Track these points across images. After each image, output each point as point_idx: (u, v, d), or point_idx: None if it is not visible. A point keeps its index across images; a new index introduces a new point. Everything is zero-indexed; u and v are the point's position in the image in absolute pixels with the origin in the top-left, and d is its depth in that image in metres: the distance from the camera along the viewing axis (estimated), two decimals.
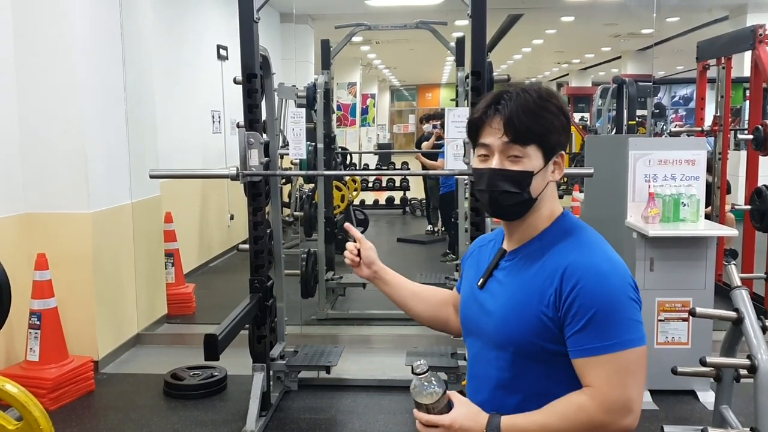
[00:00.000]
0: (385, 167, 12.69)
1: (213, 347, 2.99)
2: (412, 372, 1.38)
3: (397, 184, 11.73)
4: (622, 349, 1.31)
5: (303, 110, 4.63)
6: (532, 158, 1.39)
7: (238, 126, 3.68)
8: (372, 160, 14.71)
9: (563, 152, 1.44)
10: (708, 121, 6.09)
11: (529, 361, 1.39)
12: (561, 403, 1.35)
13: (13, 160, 4.22)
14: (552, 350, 1.36)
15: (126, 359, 4.73)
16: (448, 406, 1.38)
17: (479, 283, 1.51)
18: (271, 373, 3.87)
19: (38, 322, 4.01)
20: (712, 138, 6.02)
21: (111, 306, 4.62)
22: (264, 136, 3.68)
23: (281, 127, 7.91)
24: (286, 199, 9.09)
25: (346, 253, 1.80)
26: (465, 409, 1.39)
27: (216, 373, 4.22)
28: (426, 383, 1.37)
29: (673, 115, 19.72)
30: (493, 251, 1.54)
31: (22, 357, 4.10)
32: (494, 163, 1.40)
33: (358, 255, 1.80)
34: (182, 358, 4.51)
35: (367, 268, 1.81)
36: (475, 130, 1.46)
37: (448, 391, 1.40)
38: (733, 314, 3.12)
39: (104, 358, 4.51)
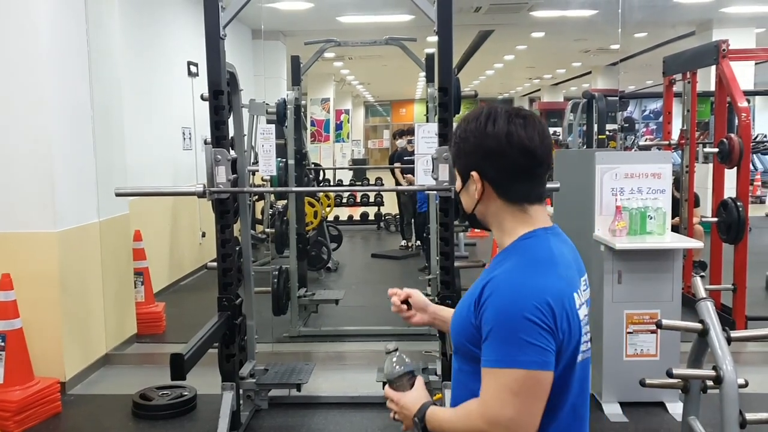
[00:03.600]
0: (360, 183, 12.69)
1: (179, 367, 2.95)
2: (386, 352, 1.61)
3: (372, 199, 11.74)
4: (506, 367, 1.31)
5: (273, 126, 4.62)
6: (458, 180, 1.52)
7: (205, 143, 3.66)
8: (346, 176, 14.72)
9: (476, 171, 1.45)
10: (675, 135, 6.19)
11: (468, 362, 1.44)
12: (465, 405, 1.42)
13: None
14: (478, 354, 1.39)
15: (94, 380, 4.65)
16: (410, 387, 1.56)
17: None
18: (241, 392, 3.82)
19: (2, 344, 3.93)
20: (680, 151, 6.12)
21: (78, 326, 4.54)
22: (232, 152, 3.66)
23: (252, 144, 7.89)
24: (259, 215, 9.05)
25: (393, 308, 1.76)
26: (415, 393, 1.54)
27: (185, 393, 4.16)
28: (392, 361, 1.58)
29: (644, 129, 20.05)
30: None
31: None
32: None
33: (408, 306, 1.76)
34: (152, 378, 4.45)
35: (423, 313, 1.76)
36: None
37: (417, 376, 1.59)
38: (698, 326, 3.15)
39: (71, 379, 4.43)
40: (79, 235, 4.52)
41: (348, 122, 21.65)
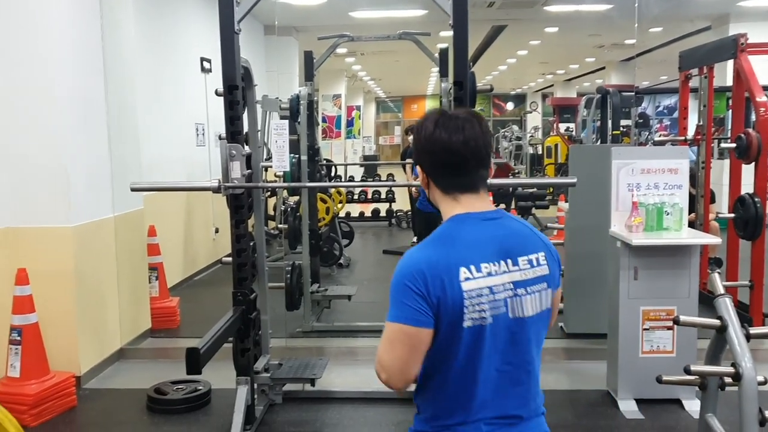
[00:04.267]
0: (371, 179, 12.68)
1: (195, 361, 2.96)
2: None
3: (383, 196, 11.72)
4: (389, 321, 1.58)
5: (286, 122, 4.61)
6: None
7: (219, 138, 3.66)
8: (357, 172, 14.70)
9: (419, 166, 1.74)
10: (691, 131, 6.13)
11: None
12: None
13: None
14: None
15: (109, 374, 4.68)
16: None
17: None
18: (256, 386, 3.83)
19: (19, 338, 3.95)
20: (696, 147, 6.07)
21: (93, 321, 4.56)
22: (246, 148, 3.66)
23: (265, 140, 7.90)
24: (271, 211, 9.06)
25: None
26: None
27: (200, 387, 4.17)
28: None
29: (658, 125, 19.91)
30: None
31: (2, 373, 4.04)
32: None
33: None
34: (166, 373, 4.46)
35: None
36: None
37: None
38: (716, 322, 3.12)
39: (87, 374, 4.46)
40: (94, 230, 4.54)
41: (359, 118, 21.65)
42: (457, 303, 1.54)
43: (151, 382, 4.28)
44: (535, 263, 1.64)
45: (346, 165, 13.31)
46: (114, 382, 4.55)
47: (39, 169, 4.25)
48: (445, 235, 1.62)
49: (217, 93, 3.77)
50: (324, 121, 16.20)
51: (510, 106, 29.44)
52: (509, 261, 1.61)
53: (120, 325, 4.90)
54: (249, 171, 3.64)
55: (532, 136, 20.14)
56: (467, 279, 1.55)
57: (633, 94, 10.47)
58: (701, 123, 5.92)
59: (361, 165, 14.29)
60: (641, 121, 12.36)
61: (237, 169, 3.52)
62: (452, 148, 1.62)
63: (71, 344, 4.33)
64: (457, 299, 1.54)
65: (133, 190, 3.52)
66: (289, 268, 5.36)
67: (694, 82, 6.11)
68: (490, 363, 1.58)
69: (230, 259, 3.84)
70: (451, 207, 1.66)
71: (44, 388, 3.94)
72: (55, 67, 4.25)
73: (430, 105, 27.51)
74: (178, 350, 4.96)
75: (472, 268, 1.56)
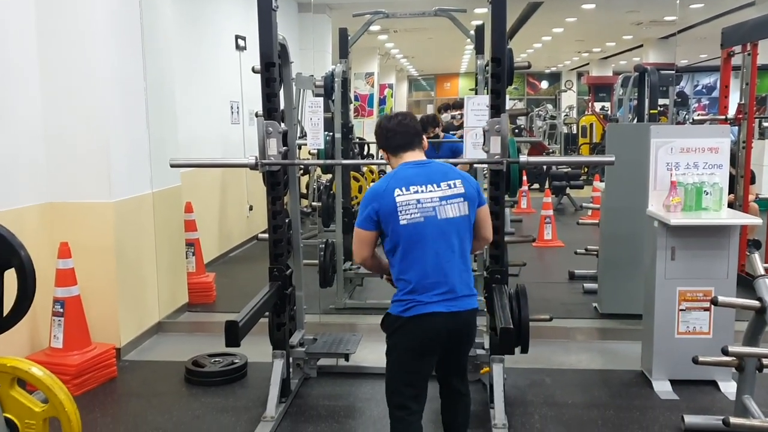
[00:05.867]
0: None
1: (233, 334, 3.02)
2: None
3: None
4: (356, 227, 2.70)
5: (321, 99, 4.63)
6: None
7: (256, 115, 3.69)
8: None
9: (381, 148, 2.88)
10: (732, 110, 6.00)
11: None
12: None
13: (36, 150, 4.28)
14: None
15: (148, 347, 4.79)
16: None
17: None
18: (291, 360, 3.89)
19: (62, 310, 4.07)
20: (736, 127, 5.94)
21: (133, 294, 4.67)
22: (282, 125, 3.69)
23: (299, 118, 7.93)
24: (303, 190, 9.12)
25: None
26: None
27: (236, 361, 4.25)
28: None
29: (696, 105, 19.49)
30: None
31: (46, 344, 4.17)
32: None
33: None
34: (203, 346, 4.55)
35: None
36: None
37: None
38: (756, 303, 3.08)
39: (126, 346, 4.57)
40: (133, 206, 4.63)
41: (391, 97, 21.56)
42: (392, 209, 2.59)
43: (189, 355, 4.37)
44: (452, 186, 2.66)
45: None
46: (152, 355, 4.66)
47: (81, 146, 4.34)
48: (390, 175, 2.71)
49: (254, 70, 3.80)
50: (356, 99, 16.18)
51: (544, 84, 29.03)
52: (434, 185, 2.64)
53: (158, 299, 5.00)
54: (285, 148, 3.67)
55: (566, 115, 19.86)
56: (398, 195, 2.61)
57: (672, 72, 10.25)
58: (743, 101, 5.79)
59: None
60: (679, 100, 12.11)
61: (273, 147, 3.55)
62: (390, 126, 2.80)
63: (112, 317, 4.44)
64: (392, 207, 2.60)
65: (172, 165, 3.57)
66: (323, 246, 5.42)
67: (736, 60, 5.96)
68: (430, 248, 2.59)
69: (266, 235, 3.90)
70: (397, 161, 2.78)
71: (86, 359, 4.06)
72: (96, 46, 4.32)
73: (463, 83, 27.25)
74: (214, 324, 5.09)
75: (403, 189, 2.62)
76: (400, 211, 2.57)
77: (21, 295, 1.84)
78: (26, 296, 1.84)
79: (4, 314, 1.88)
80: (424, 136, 2.83)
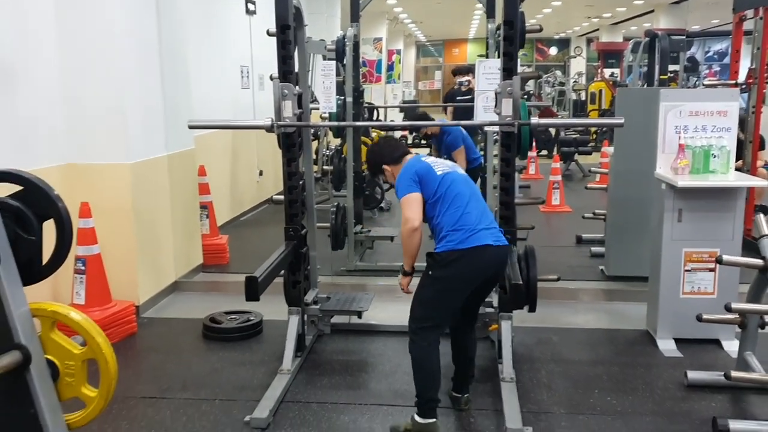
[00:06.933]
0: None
1: (253, 289, 3.13)
2: None
3: (423, 142, 11.73)
4: (401, 196, 3.07)
5: (333, 63, 4.70)
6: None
7: (271, 78, 3.75)
8: (398, 117, 14.67)
9: (384, 165, 3.37)
10: (743, 76, 6.01)
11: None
12: None
13: (55, 113, 4.36)
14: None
15: (165, 305, 4.92)
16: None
17: None
18: (306, 317, 4.01)
19: (83, 268, 4.19)
20: (746, 93, 5.95)
21: (150, 254, 4.79)
22: (297, 87, 3.75)
23: (309, 83, 7.96)
24: (313, 156, 9.18)
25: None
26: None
27: (252, 318, 4.38)
28: None
29: (707, 71, 19.34)
30: None
31: (68, 301, 4.29)
32: None
33: None
34: (218, 305, 4.67)
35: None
36: None
37: None
38: (759, 262, 3.17)
39: (144, 304, 4.70)
40: (149, 168, 4.72)
41: (399, 62, 21.47)
42: (427, 167, 3.11)
43: (205, 313, 4.50)
44: (445, 167, 3.17)
45: (386, 107, 13.32)
46: (170, 312, 4.80)
47: (99, 108, 4.41)
48: (411, 161, 3.22)
49: (269, 33, 3.85)
50: (364, 65, 16.13)
51: (553, 50, 28.80)
52: (436, 166, 3.16)
53: (174, 260, 5.12)
54: (300, 110, 3.73)
55: (575, 81, 19.77)
56: (425, 159, 3.20)
57: (683, 37, 10.19)
58: (754, 67, 5.80)
59: (402, 108, 14.24)
60: (690, 65, 12.04)
61: (289, 108, 3.61)
62: (385, 144, 3.41)
63: (131, 275, 4.57)
64: (426, 166, 3.12)
65: (190, 127, 3.64)
66: (334, 210, 5.51)
67: (748, 25, 5.96)
68: (464, 193, 3.06)
69: (280, 197, 3.99)
70: (405, 162, 3.25)
71: (107, 315, 4.19)
72: (113, 8, 4.37)
73: (471, 49, 27.05)
74: (228, 284, 5.23)
75: (433, 167, 3.12)
76: (434, 165, 3.12)
77: (59, 244, 1.94)
78: (64, 245, 1.94)
79: (44, 263, 1.98)
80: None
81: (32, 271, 2.02)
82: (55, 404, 2.03)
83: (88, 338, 1.96)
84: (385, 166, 3.29)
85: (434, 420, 2.98)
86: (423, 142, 9.10)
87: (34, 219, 1.98)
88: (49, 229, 2.02)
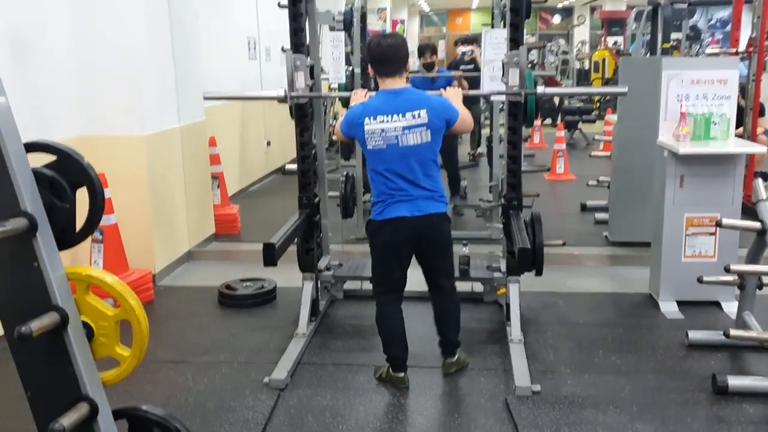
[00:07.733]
0: None
1: (271, 254, 3.26)
2: None
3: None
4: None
5: (342, 34, 4.76)
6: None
7: (283, 50, 3.83)
8: None
9: (370, 64, 3.31)
10: (743, 44, 6.05)
11: None
12: None
13: (69, 85, 4.44)
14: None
15: (180, 273, 5.06)
16: None
17: None
18: (319, 283, 4.14)
19: (101, 237, 4.31)
20: (747, 61, 6.00)
21: (165, 224, 4.91)
22: (308, 59, 3.83)
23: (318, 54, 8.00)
24: None
25: None
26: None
27: (266, 285, 4.51)
28: None
29: (710, 39, 19.23)
30: None
31: None
32: None
33: None
34: (232, 273, 4.80)
35: None
36: None
37: None
38: (757, 225, 3.29)
39: (160, 272, 4.84)
40: (162, 139, 4.82)
41: (403, 32, 21.36)
42: (362, 137, 3.12)
43: (219, 281, 4.63)
44: (416, 116, 3.06)
45: None
46: (185, 280, 4.94)
47: (112, 80, 4.50)
48: (365, 103, 3.19)
49: (279, 5, 3.92)
50: (368, 35, 16.09)
51: (557, 19, 28.55)
52: (399, 114, 3.06)
53: (188, 229, 5.25)
54: (312, 81, 3.82)
55: (579, 50, 19.68)
56: (367, 125, 3.09)
57: (685, 6, 10.17)
58: (754, 35, 5.84)
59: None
60: (692, 34, 12.00)
61: (301, 79, 3.70)
62: (376, 51, 3.16)
63: (147, 244, 4.69)
64: (361, 136, 3.13)
65: (205, 98, 3.75)
66: (343, 179, 5.62)
67: None
68: (392, 168, 3.10)
69: (293, 166, 4.10)
70: (381, 82, 3.18)
71: (125, 283, 4.30)
72: None
73: (475, 18, 26.86)
74: (240, 253, 5.36)
75: (371, 118, 3.08)
76: (367, 139, 3.10)
77: (92, 210, 2.04)
78: (96, 211, 2.04)
79: (77, 230, 2.09)
80: (409, 61, 3.24)
81: (66, 237, 2.13)
82: (91, 363, 2.14)
83: (121, 300, 2.08)
84: (370, 68, 3.34)
85: (402, 374, 3.32)
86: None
87: (68, 187, 2.08)
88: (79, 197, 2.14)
